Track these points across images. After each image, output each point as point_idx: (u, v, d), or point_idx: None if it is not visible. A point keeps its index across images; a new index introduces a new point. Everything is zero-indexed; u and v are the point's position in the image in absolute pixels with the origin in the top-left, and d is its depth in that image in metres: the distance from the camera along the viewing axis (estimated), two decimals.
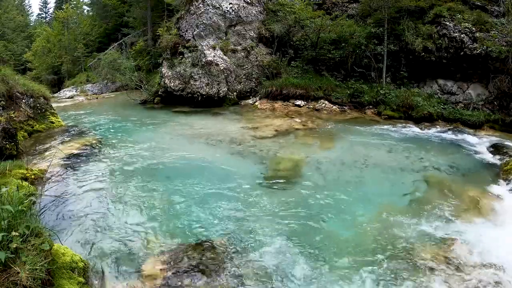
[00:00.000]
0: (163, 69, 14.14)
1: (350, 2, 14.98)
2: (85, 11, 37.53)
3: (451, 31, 11.55)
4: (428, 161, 7.05)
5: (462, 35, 11.31)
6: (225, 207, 4.89)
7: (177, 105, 13.13)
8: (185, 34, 13.95)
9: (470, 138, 9.11)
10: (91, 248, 3.85)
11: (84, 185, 5.31)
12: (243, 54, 14.04)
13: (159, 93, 14.39)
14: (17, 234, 2.66)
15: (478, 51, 10.95)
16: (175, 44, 14.04)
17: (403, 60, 12.72)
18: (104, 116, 11.71)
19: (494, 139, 8.98)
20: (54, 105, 10.22)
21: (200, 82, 13.00)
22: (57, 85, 29.28)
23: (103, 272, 3.52)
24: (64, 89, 24.12)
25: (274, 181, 5.93)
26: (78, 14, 34.49)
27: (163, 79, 13.84)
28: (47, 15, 53.26)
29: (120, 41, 23.25)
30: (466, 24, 11.46)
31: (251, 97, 13.70)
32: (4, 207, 2.72)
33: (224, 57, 13.45)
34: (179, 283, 3.43)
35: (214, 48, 13.40)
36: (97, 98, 18.60)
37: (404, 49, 12.52)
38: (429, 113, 10.71)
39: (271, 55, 14.36)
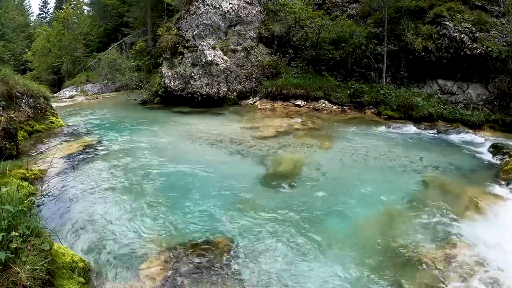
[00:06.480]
0: (163, 69, 14.15)
1: (350, 2, 14.98)
2: (85, 11, 37.61)
3: (451, 31, 11.55)
4: (428, 161, 7.05)
5: (462, 35, 11.31)
6: (225, 207, 4.89)
7: (177, 105, 13.14)
8: (185, 34, 13.95)
9: (470, 138, 9.11)
10: (91, 248, 3.85)
11: (84, 185, 5.31)
12: (243, 54, 14.03)
13: (159, 93, 14.41)
14: (17, 234, 2.66)
15: (478, 51, 10.95)
16: (175, 44, 14.07)
17: (403, 60, 12.71)
18: (104, 116, 11.72)
19: (494, 139, 8.97)
20: (54, 105, 10.23)
21: (200, 82, 13.00)
22: (57, 85, 29.31)
23: (103, 272, 3.52)
24: (64, 89, 24.16)
25: (274, 181, 5.92)
26: (78, 14, 34.49)
27: (163, 79, 13.85)
28: (47, 15, 53.36)
29: (120, 41, 23.26)
30: (466, 24, 11.46)
31: (251, 97, 13.69)
32: (4, 207, 2.73)
33: (224, 57, 13.45)
34: (179, 283, 3.42)
35: (214, 48, 13.40)
36: (97, 98, 18.62)
37: (404, 49, 12.52)
38: (429, 113, 10.71)
39: (271, 55, 14.36)
